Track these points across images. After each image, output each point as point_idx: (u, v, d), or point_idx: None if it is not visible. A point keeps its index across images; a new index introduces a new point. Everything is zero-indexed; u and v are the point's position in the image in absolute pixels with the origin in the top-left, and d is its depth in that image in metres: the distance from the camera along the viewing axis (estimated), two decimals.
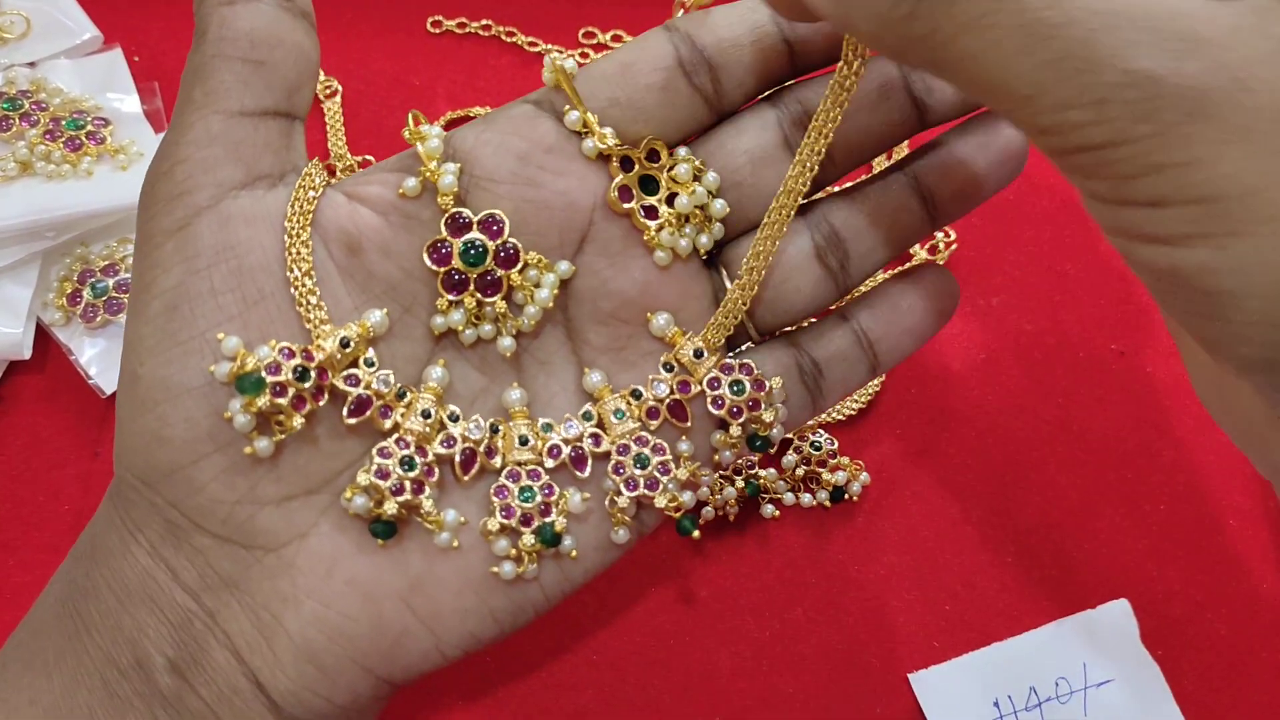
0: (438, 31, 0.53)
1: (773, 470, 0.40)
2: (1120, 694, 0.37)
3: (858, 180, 0.29)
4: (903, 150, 0.45)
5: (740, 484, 0.40)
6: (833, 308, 0.29)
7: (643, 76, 0.26)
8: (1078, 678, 0.37)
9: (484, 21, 0.53)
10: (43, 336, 0.43)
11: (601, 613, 0.38)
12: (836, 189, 0.29)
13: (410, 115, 0.26)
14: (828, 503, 0.40)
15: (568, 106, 0.26)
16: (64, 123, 0.43)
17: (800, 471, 0.40)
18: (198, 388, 0.24)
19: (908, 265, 0.29)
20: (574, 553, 0.27)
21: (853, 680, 0.38)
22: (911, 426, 0.42)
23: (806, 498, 0.40)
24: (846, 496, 0.40)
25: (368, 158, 0.48)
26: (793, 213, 0.26)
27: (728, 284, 0.28)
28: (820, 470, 0.40)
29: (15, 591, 0.38)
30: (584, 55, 0.52)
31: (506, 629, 0.26)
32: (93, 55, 0.48)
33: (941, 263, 0.45)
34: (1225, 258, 0.17)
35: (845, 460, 0.41)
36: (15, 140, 0.42)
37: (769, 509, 0.40)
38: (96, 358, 0.42)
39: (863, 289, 0.35)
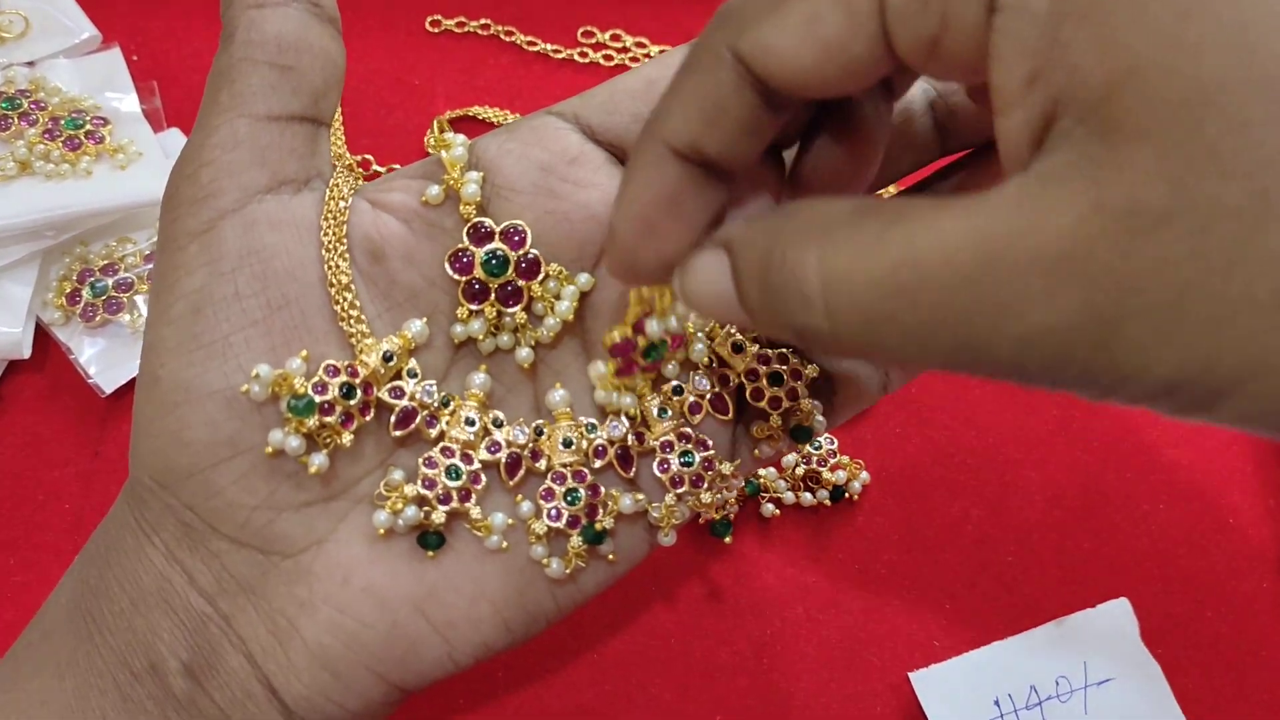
0: (436, 30, 0.53)
1: (773, 469, 0.40)
2: (1120, 693, 0.37)
3: None
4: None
5: (740, 483, 0.40)
6: None
7: None
8: (1078, 677, 0.37)
9: (483, 20, 0.53)
10: (42, 336, 0.43)
11: (602, 611, 0.38)
12: None
13: (435, 122, 0.26)
14: (828, 501, 0.40)
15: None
16: (63, 122, 0.43)
17: (800, 470, 0.40)
18: (219, 391, 0.24)
19: None
20: (612, 555, 0.27)
21: (853, 679, 0.38)
22: (911, 426, 0.42)
23: (806, 496, 0.40)
24: (846, 495, 0.40)
25: (367, 157, 0.48)
26: None
27: None
28: (820, 469, 0.40)
29: (15, 591, 0.38)
30: (582, 55, 0.52)
31: (519, 638, 0.26)
32: (91, 54, 0.48)
33: None
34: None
35: (845, 459, 0.41)
36: (14, 140, 0.42)
37: (769, 508, 0.40)
38: (96, 357, 0.42)
39: None
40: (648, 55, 0.52)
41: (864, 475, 0.41)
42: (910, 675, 0.37)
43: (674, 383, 0.27)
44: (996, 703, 0.37)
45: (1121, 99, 0.16)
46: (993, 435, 0.42)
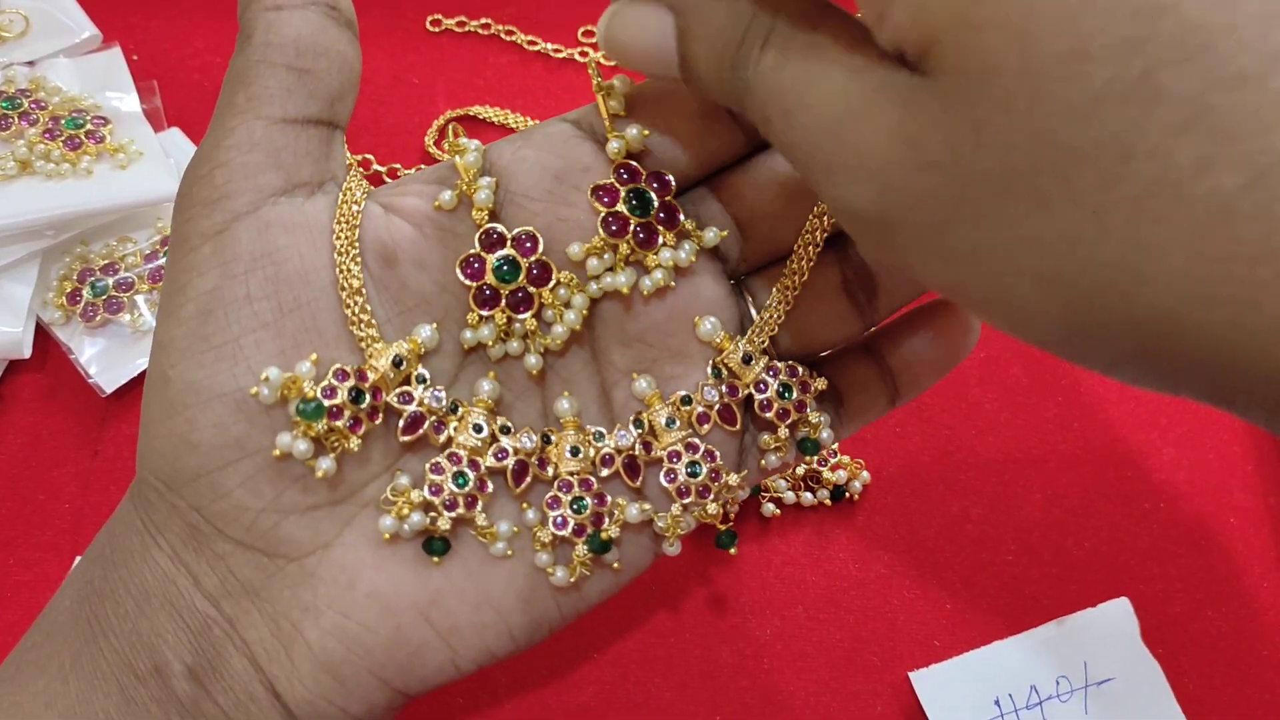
0: (437, 30, 0.53)
1: None
2: (1121, 692, 0.37)
3: None
4: None
5: (745, 494, 0.40)
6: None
7: (681, 104, 0.26)
8: (1078, 676, 0.37)
9: (483, 20, 0.53)
10: (42, 335, 0.43)
11: (601, 611, 0.38)
12: None
13: (450, 128, 0.26)
14: (828, 501, 0.40)
15: (611, 133, 0.26)
16: (63, 121, 0.43)
17: (800, 470, 0.40)
18: (228, 393, 0.24)
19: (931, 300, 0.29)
20: (617, 564, 0.27)
21: (853, 679, 0.38)
22: (911, 425, 0.42)
23: (807, 496, 0.40)
24: (847, 495, 0.40)
25: (367, 156, 0.48)
26: (821, 242, 0.27)
27: (753, 312, 0.28)
28: (821, 469, 0.40)
29: (15, 590, 0.38)
30: (583, 54, 0.52)
31: (522, 645, 0.26)
32: (92, 54, 0.48)
33: None
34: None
35: (846, 459, 0.41)
36: (14, 139, 0.42)
37: (769, 508, 0.40)
38: (96, 356, 0.42)
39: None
40: None
41: (864, 475, 0.41)
42: (910, 675, 0.37)
43: (683, 393, 0.27)
44: (997, 702, 0.37)
45: (932, 57, 0.18)
46: (993, 435, 0.42)
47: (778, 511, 0.40)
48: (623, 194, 0.26)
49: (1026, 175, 0.17)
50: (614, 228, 0.26)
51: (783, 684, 0.37)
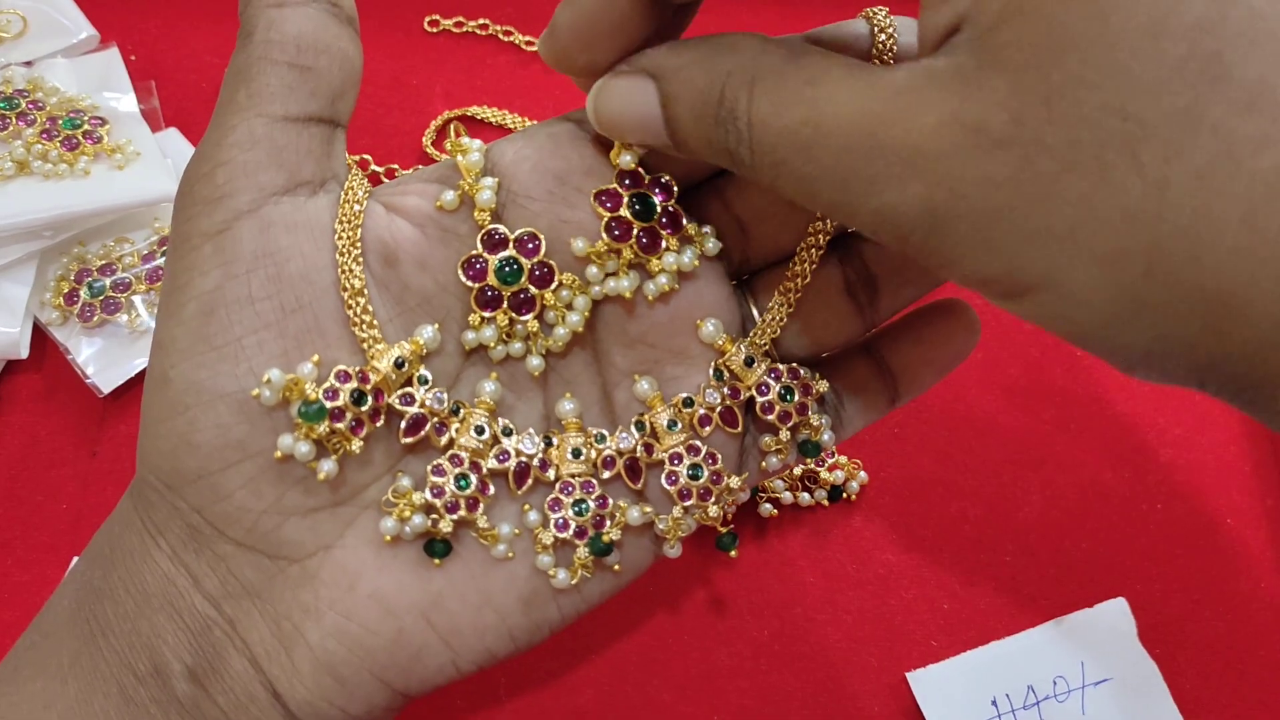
0: (435, 30, 0.53)
1: None
2: (1118, 693, 0.37)
3: None
4: None
5: (746, 496, 0.40)
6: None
7: None
8: (1075, 676, 0.37)
9: (481, 20, 0.53)
10: (40, 336, 0.43)
11: (601, 613, 0.38)
12: None
13: (451, 127, 0.26)
14: (825, 501, 0.40)
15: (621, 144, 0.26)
16: (61, 122, 0.43)
17: (798, 470, 0.40)
18: (230, 394, 0.24)
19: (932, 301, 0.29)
20: (617, 566, 0.27)
21: (851, 679, 0.38)
22: (910, 426, 0.42)
23: (805, 497, 0.40)
24: (844, 495, 0.40)
25: (365, 156, 0.48)
26: (824, 245, 0.27)
27: (755, 314, 0.28)
28: (818, 469, 0.40)
29: (14, 591, 0.38)
30: None
31: (522, 646, 0.27)
32: (89, 54, 0.48)
33: None
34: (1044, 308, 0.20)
35: (843, 459, 0.41)
36: (12, 140, 0.42)
37: (767, 508, 0.40)
38: (94, 357, 0.42)
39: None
40: None
41: (862, 475, 0.41)
42: (908, 675, 0.37)
43: (684, 395, 0.27)
44: (994, 703, 0.37)
45: (1002, 32, 0.18)
46: (991, 435, 0.42)
47: (775, 512, 0.40)
48: (625, 198, 0.26)
49: (1093, 148, 0.18)
50: (617, 232, 0.25)
51: (781, 684, 0.37)
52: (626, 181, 0.26)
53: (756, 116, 0.21)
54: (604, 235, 0.25)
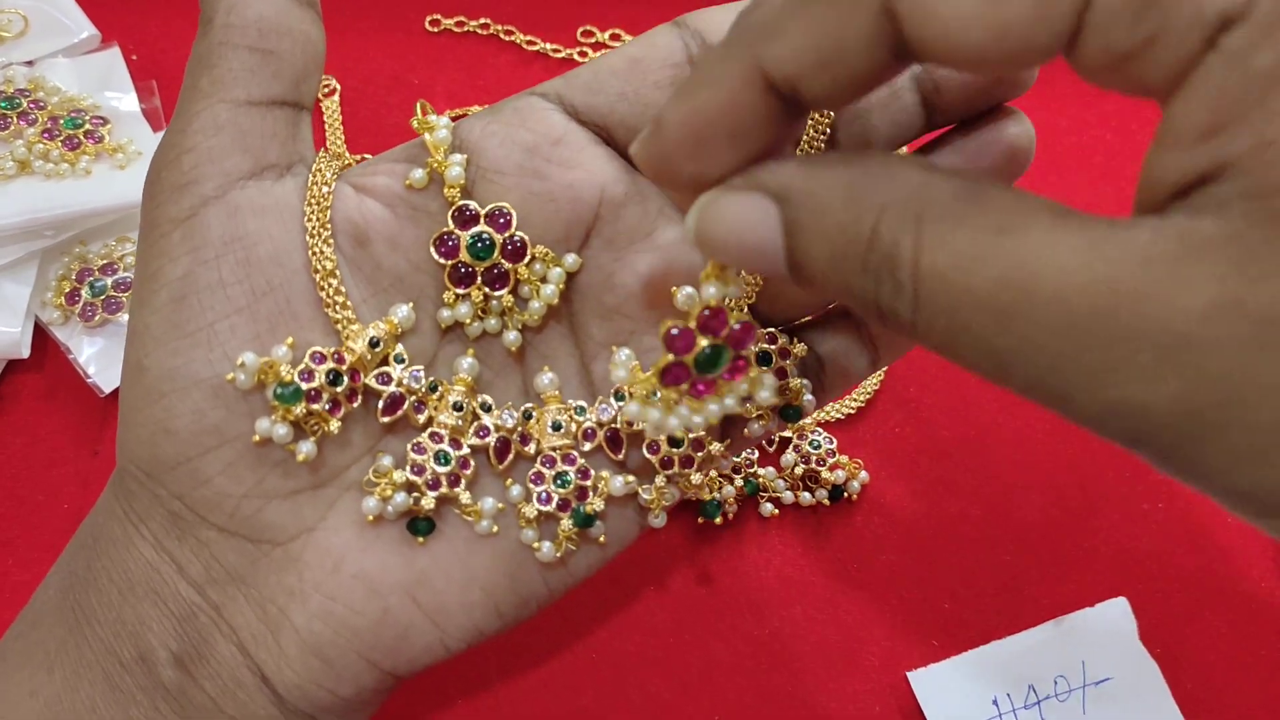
0: (436, 30, 0.53)
1: (771, 469, 0.40)
2: (1119, 692, 0.37)
3: None
4: None
5: (739, 482, 0.40)
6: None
7: (651, 73, 0.26)
8: (1076, 676, 0.37)
9: (482, 20, 0.53)
10: (41, 335, 0.43)
11: (600, 611, 0.38)
12: None
13: (418, 105, 0.26)
14: (826, 501, 0.40)
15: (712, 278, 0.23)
16: (62, 121, 0.43)
17: (799, 470, 0.40)
18: (205, 379, 0.24)
19: None
20: (602, 538, 0.27)
21: (852, 679, 0.38)
22: (910, 425, 0.42)
23: (805, 496, 0.40)
24: (845, 495, 0.40)
25: (365, 156, 0.48)
26: None
27: None
28: (819, 469, 0.40)
29: (14, 590, 0.38)
30: (582, 54, 0.52)
31: (509, 622, 0.27)
32: (91, 54, 0.48)
33: None
34: None
35: (844, 459, 0.41)
36: (13, 139, 0.42)
37: (768, 507, 0.40)
38: (95, 356, 0.42)
39: None
40: None
41: (863, 475, 0.41)
42: (909, 675, 0.37)
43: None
44: (995, 702, 0.37)
45: None
46: (992, 435, 0.42)
47: (776, 511, 0.40)
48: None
49: None
50: (670, 377, 0.22)
51: (781, 684, 0.37)
52: (708, 315, 0.22)
53: (928, 269, 0.17)
54: (656, 378, 0.23)
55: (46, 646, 0.25)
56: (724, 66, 0.19)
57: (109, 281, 0.42)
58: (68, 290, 0.42)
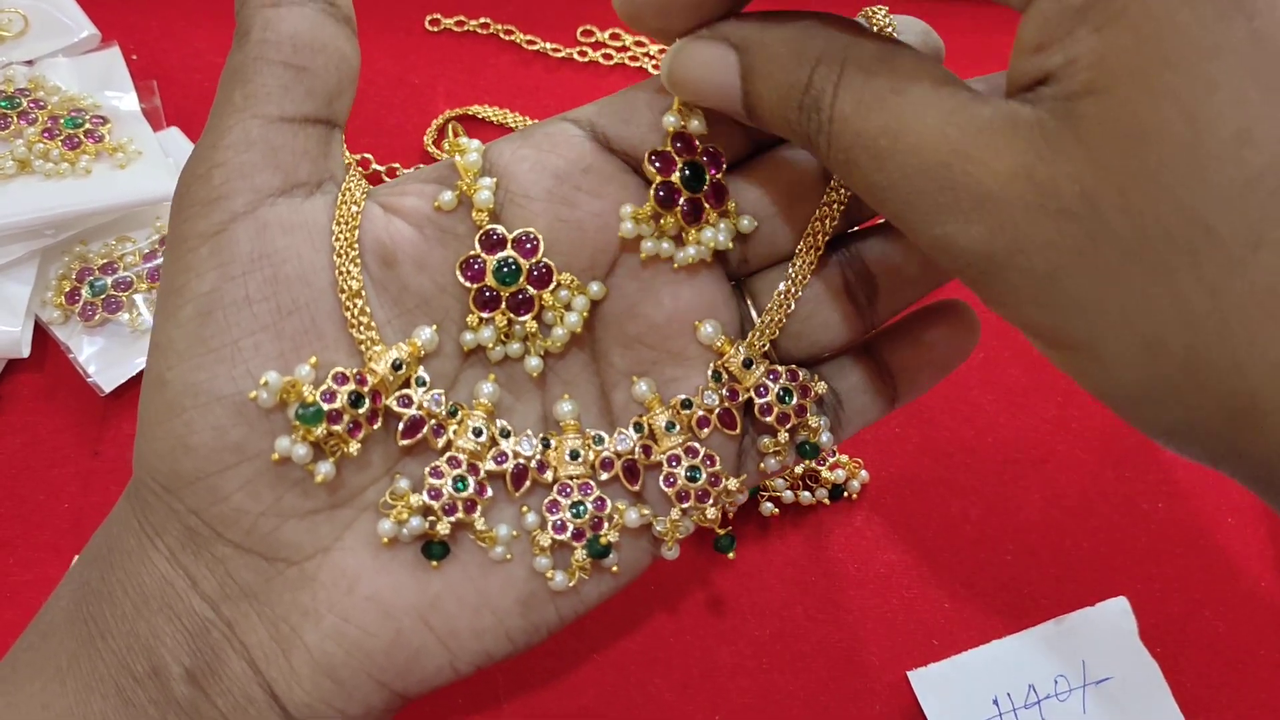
0: (436, 30, 0.53)
1: None
2: (1119, 691, 0.37)
3: None
4: None
5: (744, 498, 0.40)
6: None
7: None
8: (1076, 675, 0.37)
9: (482, 20, 0.53)
10: (41, 335, 0.43)
11: (601, 612, 0.38)
12: (872, 225, 0.29)
13: (450, 127, 0.26)
14: (827, 501, 0.40)
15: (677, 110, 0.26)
16: (62, 121, 0.43)
17: (799, 470, 0.40)
18: (227, 396, 0.24)
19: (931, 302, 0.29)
20: (615, 568, 0.27)
21: (852, 678, 0.38)
22: (910, 425, 0.42)
23: (805, 496, 0.40)
24: (845, 494, 0.40)
25: (366, 156, 0.48)
26: (822, 246, 0.27)
27: (754, 315, 0.28)
28: (819, 468, 0.40)
29: (15, 590, 0.38)
30: (581, 54, 0.52)
31: (520, 648, 0.26)
32: (91, 53, 0.48)
33: None
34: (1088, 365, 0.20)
35: (844, 458, 0.41)
36: (13, 139, 0.42)
37: (768, 507, 0.40)
38: (95, 356, 0.42)
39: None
40: (647, 54, 0.52)
41: (863, 474, 0.41)
42: (909, 674, 0.37)
43: (683, 397, 0.27)
44: (995, 702, 0.37)
45: (1088, 102, 0.18)
46: (992, 435, 0.42)
47: (776, 511, 0.40)
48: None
49: (1158, 244, 0.18)
50: (663, 195, 0.25)
51: (782, 684, 0.38)
52: (679, 144, 0.25)
53: (839, 112, 0.21)
54: (652, 199, 0.25)
55: (59, 659, 0.25)
56: None
57: (109, 281, 0.42)
58: (68, 290, 0.42)
